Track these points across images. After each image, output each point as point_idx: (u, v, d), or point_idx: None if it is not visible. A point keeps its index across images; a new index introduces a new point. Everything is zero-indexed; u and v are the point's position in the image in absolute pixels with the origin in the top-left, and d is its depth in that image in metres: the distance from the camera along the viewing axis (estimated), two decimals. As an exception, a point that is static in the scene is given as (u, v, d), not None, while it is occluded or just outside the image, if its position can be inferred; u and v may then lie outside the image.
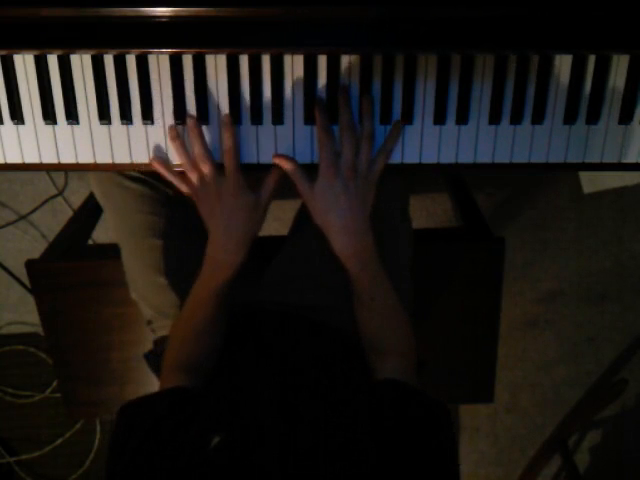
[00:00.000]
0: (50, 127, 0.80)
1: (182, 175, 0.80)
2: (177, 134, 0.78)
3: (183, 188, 0.80)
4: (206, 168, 0.77)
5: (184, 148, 0.78)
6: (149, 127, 0.79)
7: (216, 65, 0.77)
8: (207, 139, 0.79)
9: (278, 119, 0.79)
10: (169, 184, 0.82)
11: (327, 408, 0.67)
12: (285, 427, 0.63)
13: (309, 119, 0.78)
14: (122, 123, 0.79)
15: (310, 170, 0.78)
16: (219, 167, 0.78)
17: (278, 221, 1.77)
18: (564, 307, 1.87)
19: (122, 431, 0.68)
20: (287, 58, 0.76)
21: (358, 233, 0.77)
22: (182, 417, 0.67)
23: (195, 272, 0.91)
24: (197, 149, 0.77)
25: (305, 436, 0.63)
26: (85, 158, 0.81)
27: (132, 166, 0.82)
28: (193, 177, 0.78)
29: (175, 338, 0.86)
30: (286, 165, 0.78)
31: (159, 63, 0.77)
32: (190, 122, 0.77)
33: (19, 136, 0.80)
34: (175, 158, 0.80)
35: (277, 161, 0.78)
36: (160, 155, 0.81)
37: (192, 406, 0.70)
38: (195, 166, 0.77)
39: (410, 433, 0.63)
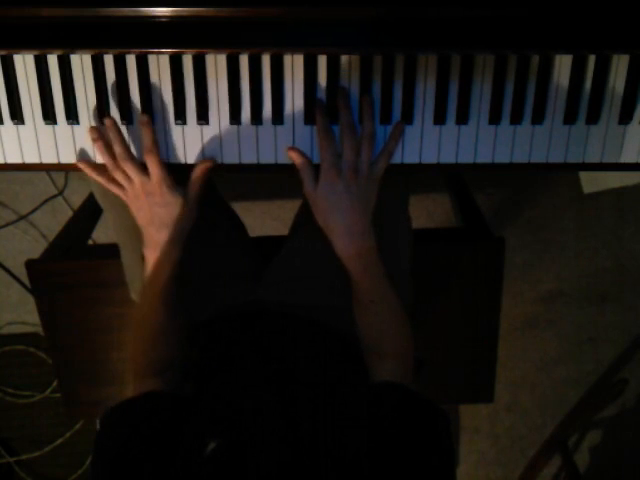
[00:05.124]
0: (50, 127, 0.80)
1: (109, 176, 0.79)
2: (98, 135, 0.78)
3: (112, 188, 0.80)
4: (128, 167, 0.77)
5: (105, 148, 0.78)
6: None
7: (216, 65, 0.77)
8: (207, 139, 0.79)
9: (278, 119, 0.79)
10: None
11: (325, 410, 0.67)
12: (283, 429, 0.63)
13: (309, 119, 0.78)
14: (122, 124, 0.79)
15: (310, 170, 0.78)
16: (144, 166, 0.78)
17: (278, 221, 1.77)
18: (564, 307, 1.87)
19: (103, 438, 0.68)
20: (287, 58, 0.76)
21: (360, 234, 0.77)
22: (163, 421, 0.67)
23: (194, 272, 0.91)
24: (117, 149, 0.77)
25: (303, 439, 0.62)
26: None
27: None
28: (118, 177, 0.78)
29: (133, 344, 0.86)
30: (298, 160, 0.78)
31: (159, 63, 0.77)
32: (108, 122, 0.77)
33: (19, 136, 0.80)
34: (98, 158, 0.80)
35: (292, 154, 0.78)
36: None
37: (171, 409, 0.70)
38: (118, 166, 0.78)
39: (408, 436, 0.63)
